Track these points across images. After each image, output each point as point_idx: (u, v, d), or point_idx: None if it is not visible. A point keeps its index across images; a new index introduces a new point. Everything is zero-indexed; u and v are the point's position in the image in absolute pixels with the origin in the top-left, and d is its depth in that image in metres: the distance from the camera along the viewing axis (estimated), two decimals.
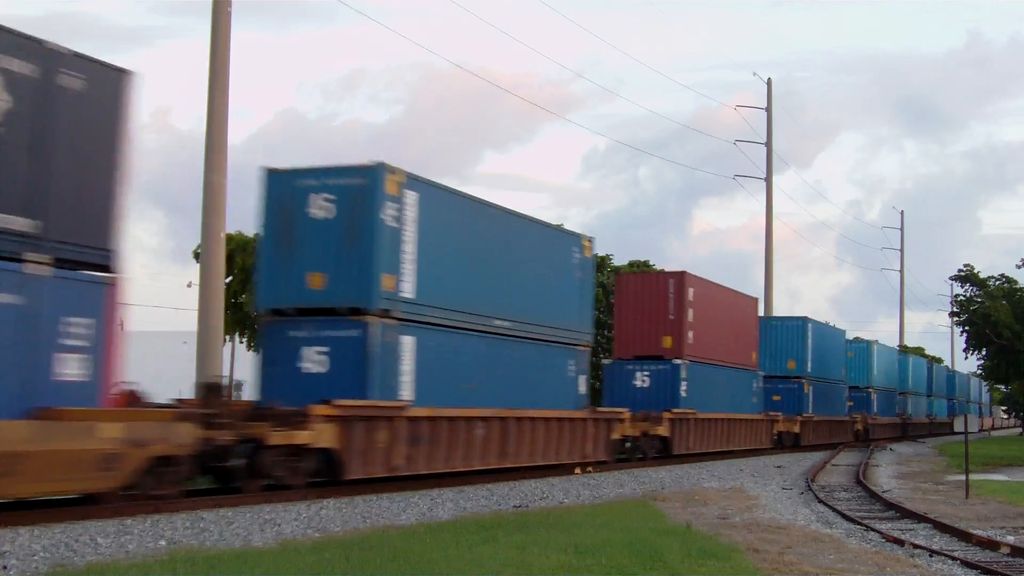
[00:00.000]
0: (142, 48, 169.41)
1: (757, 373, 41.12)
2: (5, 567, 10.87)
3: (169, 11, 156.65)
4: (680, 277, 34.35)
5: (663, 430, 32.28)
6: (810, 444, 46.84)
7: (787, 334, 46.73)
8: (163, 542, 12.87)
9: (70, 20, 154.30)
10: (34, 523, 13.57)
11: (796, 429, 45.22)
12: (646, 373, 33.69)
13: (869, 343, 60.16)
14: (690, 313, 34.13)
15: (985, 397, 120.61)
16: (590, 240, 27.87)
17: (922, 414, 75.89)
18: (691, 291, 34.33)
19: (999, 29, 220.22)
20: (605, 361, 35.97)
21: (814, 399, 47.28)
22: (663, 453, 32.73)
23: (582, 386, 27.05)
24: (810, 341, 47.02)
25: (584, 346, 27.44)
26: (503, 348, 23.85)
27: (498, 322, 23.63)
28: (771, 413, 43.13)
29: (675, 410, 33.07)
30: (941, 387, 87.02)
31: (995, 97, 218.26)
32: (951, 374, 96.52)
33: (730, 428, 37.99)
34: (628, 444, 30.76)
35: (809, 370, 46.88)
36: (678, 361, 33.64)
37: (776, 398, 45.02)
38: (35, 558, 11.43)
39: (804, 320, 47.60)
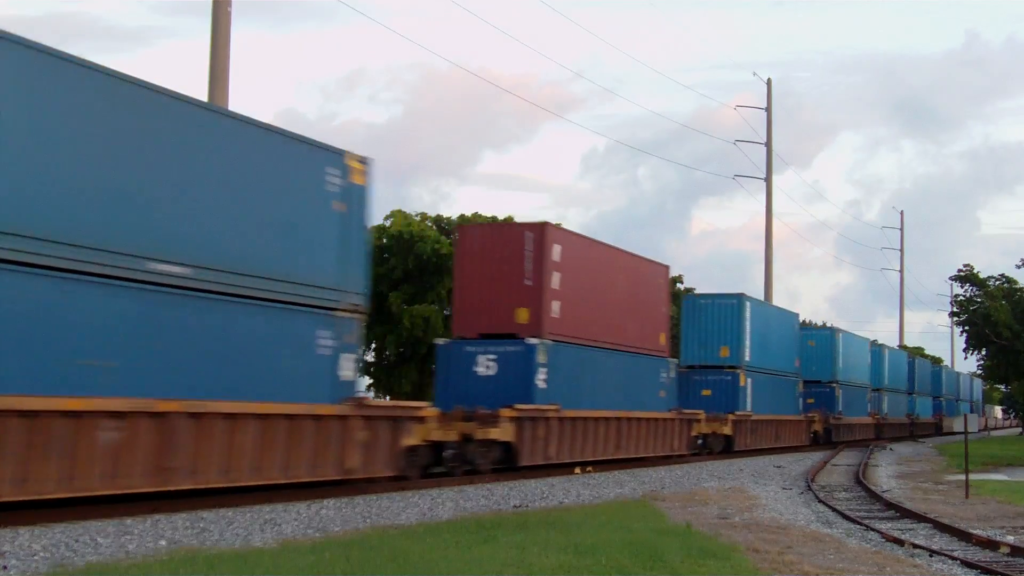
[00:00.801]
0: (142, 48, 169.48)
1: (668, 361, 33.52)
2: (5, 567, 10.87)
3: (169, 11, 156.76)
4: (540, 229, 25.79)
5: (500, 434, 23.84)
6: (748, 448, 39.97)
7: (719, 315, 39.86)
8: (163, 542, 12.87)
9: (70, 20, 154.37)
10: (34, 523, 13.57)
11: (726, 430, 37.74)
12: (491, 356, 25.31)
13: (833, 331, 53.14)
14: (555, 278, 25.90)
15: (978, 395, 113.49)
16: (362, 161, 19.81)
17: (900, 413, 68.67)
18: (557, 249, 26.02)
19: (997, 29, 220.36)
20: (439, 341, 26.77)
21: (754, 394, 40.19)
22: (502, 464, 24.48)
23: (345, 368, 19.20)
24: (748, 324, 39.86)
25: (346, 311, 19.34)
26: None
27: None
28: (686, 411, 34.97)
29: (525, 406, 24.62)
30: (925, 383, 79.66)
31: (993, 97, 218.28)
32: (937, 369, 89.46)
33: (621, 429, 29.44)
34: (448, 453, 23.63)
35: (748, 359, 39.80)
36: (534, 341, 25.03)
37: (705, 392, 38.96)
38: (35, 558, 11.43)
39: (740, 298, 40.33)
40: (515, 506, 18.70)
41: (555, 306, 25.69)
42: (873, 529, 17.04)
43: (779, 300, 61.65)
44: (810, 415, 48.28)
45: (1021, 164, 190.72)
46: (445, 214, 47.75)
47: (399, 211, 45.95)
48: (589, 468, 27.34)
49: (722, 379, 38.99)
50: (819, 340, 51.70)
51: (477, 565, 11.29)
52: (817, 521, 18.42)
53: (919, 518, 18.83)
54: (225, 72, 25.30)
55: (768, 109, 59.92)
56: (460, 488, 21.15)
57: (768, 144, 59.47)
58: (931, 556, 14.39)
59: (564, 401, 25.90)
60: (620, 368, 29.80)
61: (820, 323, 79.95)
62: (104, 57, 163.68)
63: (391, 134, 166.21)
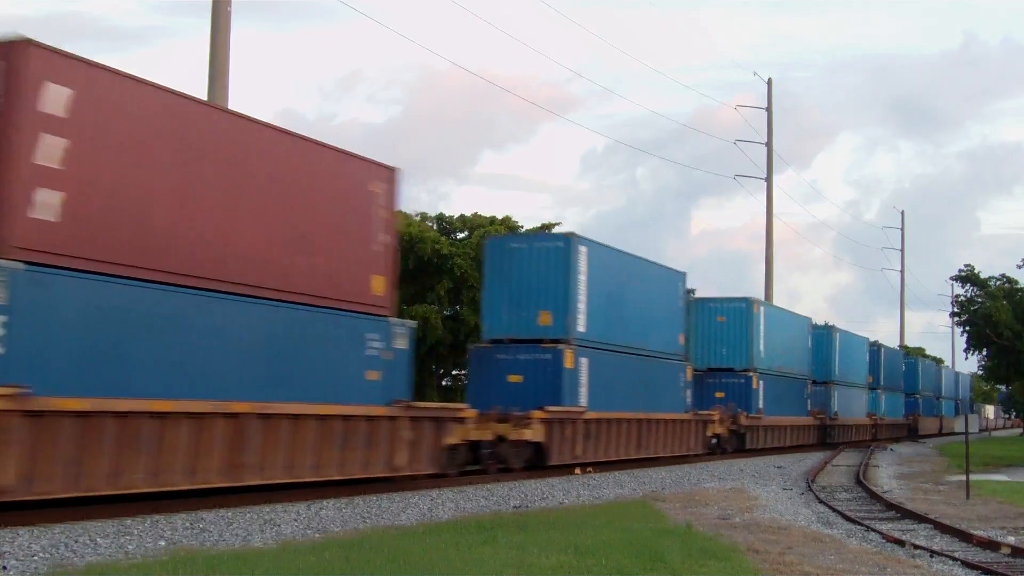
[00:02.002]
0: (142, 48, 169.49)
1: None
2: (5, 567, 10.87)
3: (169, 11, 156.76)
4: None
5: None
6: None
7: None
8: (163, 542, 12.86)
9: (71, 20, 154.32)
10: (34, 523, 13.56)
11: (532, 435, 25.04)
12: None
13: (750, 302, 40.93)
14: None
15: (965, 392, 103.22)
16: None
17: (860, 412, 57.41)
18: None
19: (995, 30, 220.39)
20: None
21: (595, 383, 27.67)
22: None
23: None
24: (584, 284, 27.37)
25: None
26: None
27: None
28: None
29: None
30: (896, 378, 68.57)
31: (991, 97, 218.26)
32: (911, 361, 77.56)
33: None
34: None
35: (582, 331, 27.05)
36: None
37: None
38: (35, 558, 11.42)
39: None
40: (515, 507, 18.69)
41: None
42: (874, 530, 17.03)
43: (779, 300, 60.73)
44: (705, 413, 37.24)
45: (1019, 164, 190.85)
46: (446, 213, 47.56)
47: (399, 211, 45.84)
48: (589, 468, 27.36)
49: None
50: (731, 315, 42.32)
51: (477, 565, 11.28)
52: (817, 522, 18.41)
53: (920, 519, 18.82)
54: (225, 72, 25.28)
55: (768, 109, 59.91)
56: (460, 488, 21.14)
57: (768, 144, 59.46)
58: (932, 557, 14.38)
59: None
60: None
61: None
62: (104, 57, 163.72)
63: (390, 134, 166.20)
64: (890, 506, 21.18)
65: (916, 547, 15.12)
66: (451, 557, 11.76)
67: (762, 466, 33.42)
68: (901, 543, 15.47)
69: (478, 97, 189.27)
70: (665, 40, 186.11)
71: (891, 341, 79.58)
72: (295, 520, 15.33)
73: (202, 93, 24.87)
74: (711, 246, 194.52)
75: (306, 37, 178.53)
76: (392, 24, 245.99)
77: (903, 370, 72.47)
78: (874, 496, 23.39)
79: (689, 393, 34.55)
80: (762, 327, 41.21)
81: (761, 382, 40.82)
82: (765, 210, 58.84)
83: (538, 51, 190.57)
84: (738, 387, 39.93)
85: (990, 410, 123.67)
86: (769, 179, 59.31)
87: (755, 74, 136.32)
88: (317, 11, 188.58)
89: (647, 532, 14.72)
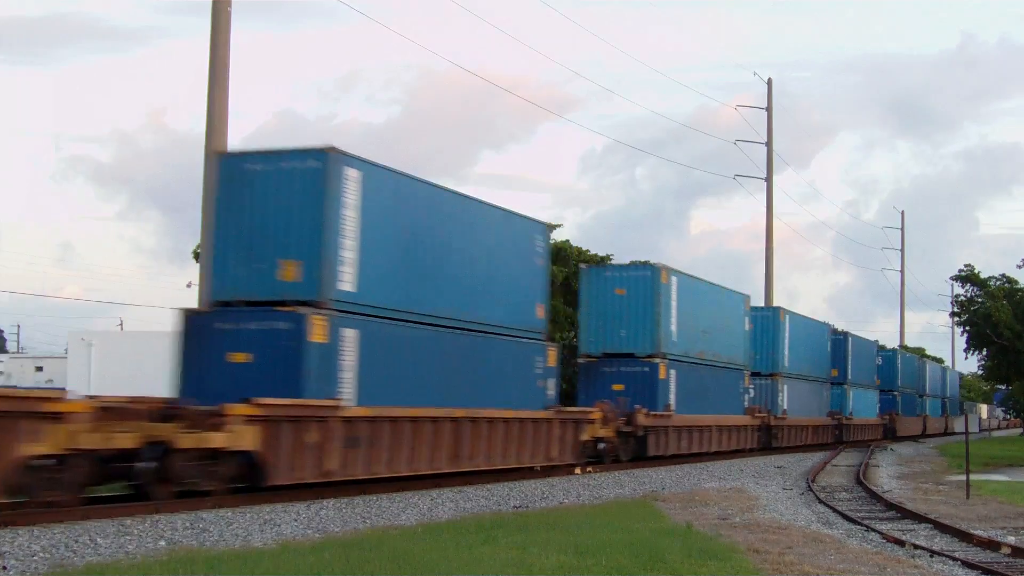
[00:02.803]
0: (142, 48, 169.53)
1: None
2: (5, 567, 10.87)
3: (169, 11, 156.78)
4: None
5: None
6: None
7: (284, 188, 20.60)
8: (163, 542, 12.86)
9: (71, 20, 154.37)
10: (34, 523, 13.56)
11: (230, 441, 16.98)
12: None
13: (656, 270, 32.22)
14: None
15: (954, 390, 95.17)
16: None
17: (820, 412, 49.29)
18: None
19: (992, 30, 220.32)
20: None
21: (374, 366, 20.00)
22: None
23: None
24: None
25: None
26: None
27: None
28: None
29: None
30: (867, 372, 59.24)
31: (989, 98, 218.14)
32: (888, 353, 67.72)
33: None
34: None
35: (348, 291, 19.43)
36: None
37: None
38: (35, 558, 11.42)
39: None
40: (515, 506, 18.69)
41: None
42: (874, 530, 17.03)
43: (778, 300, 59.36)
44: (584, 412, 28.24)
45: (1017, 165, 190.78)
46: None
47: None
48: (589, 468, 27.32)
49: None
50: (633, 286, 33.41)
51: (477, 565, 11.28)
52: (817, 522, 18.40)
53: (920, 519, 18.82)
54: (225, 72, 25.29)
55: (768, 109, 59.93)
56: (460, 488, 21.13)
57: (768, 144, 59.47)
58: (932, 557, 14.38)
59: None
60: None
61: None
62: (105, 57, 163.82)
63: (389, 134, 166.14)
64: (890, 506, 21.18)
65: (916, 547, 15.12)
66: (451, 557, 11.76)
67: (762, 466, 33.40)
68: (901, 543, 15.47)
69: (477, 97, 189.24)
70: (665, 40, 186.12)
71: (891, 341, 79.18)
72: (295, 520, 15.33)
73: (202, 93, 24.90)
74: (711, 246, 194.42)
75: (305, 37, 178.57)
76: (391, 24, 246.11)
77: (878, 364, 63.14)
78: (874, 496, 23.38)
79: (551, 383, 25.06)
80: (674, 302, 32.38)
81: (672, 371, 32.08)
82: (765, 210, 58.89)
83: (538, 51, 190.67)
84: (641, 377, 31.19)
85: (983, 409, 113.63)
86: (769, 179, 59.35)
87: (755, 74, 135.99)
88: (316, 11, 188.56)
89: (647, 532, 14.72)
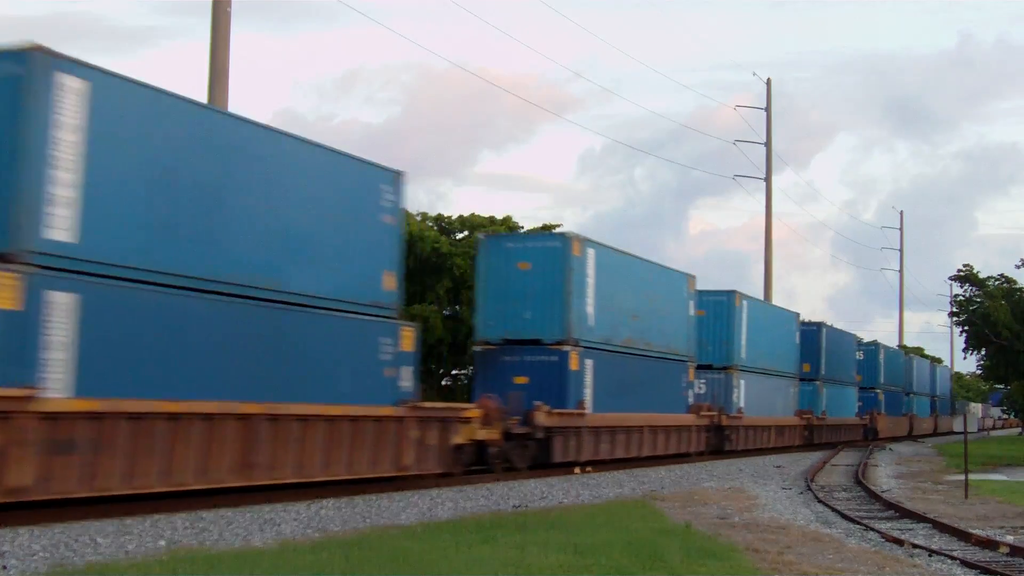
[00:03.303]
0: (143, 48, 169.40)
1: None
2: (5, 567, 10.87)
3: (169, 11, 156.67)
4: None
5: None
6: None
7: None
8: (163, 542, 12.87)
9: (72, 20, 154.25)
10: (34, 523, 13.57)
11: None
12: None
13: (568, 240, 26.98)
14: None
15: (945, 388, 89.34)
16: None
17: (784, 409, 43.79)
18: None
19: (990, 30, 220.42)
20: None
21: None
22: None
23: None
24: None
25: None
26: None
27: None
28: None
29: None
30: (845, 368, 54.46)
31: (987, 98, 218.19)
32: (870, 348, 62.24)
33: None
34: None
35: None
36: None
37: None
38: (35, 558, 11.43)
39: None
40: (515, 506, 18.71)
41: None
42: (872, 529, 17.06)
43: (778, 300, 58.53)
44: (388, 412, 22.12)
45: (1015, 165, 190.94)
46: (445, 213, 47.46)
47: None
48: (589, 468, 27.32)
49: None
50: (500, 254, 27.75)
51: (477, 565, 11.30)
52: (816, 521, 18.43)
53: (918, 518, 18.84)
54: (225, 72, 25.30)
55: (768, 109, 59.95)
56: (460, 488, 21.15)
57: (768, 144, 59.50)
58: (930, 556, 14.40)
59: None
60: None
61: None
62: (106, 57, 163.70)
63: (388, 134, 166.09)
64: (889, 505, 21.20)
65: (915, 546, 15.14)
66: (451, 557, 11.78)
67: (761, 466, 33.42)
68: (900, 542, 15.49)
69: (477, 97, 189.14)
70: (665, 40, 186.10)
71: (890, 341, 78.63)
72: (295, 520, 15.35)
73: (202, 93, 24.90)
74: (710, 246, 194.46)
75: (304, 37, 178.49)
76: (390, 24, 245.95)
77: (859, 359, 58.51)
78: (873, 495, 23.40)
79: (407, 373, 20.01)
80: (590, 279, 26.92)
81: (587, 361, 26.63)
82: (764, 210, 58.90)
83: (537, 51, 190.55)
84: (548, 368, 25.89)
85: (978, 409, 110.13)
86: (768, 179, 59.37)
87: (754, 74, 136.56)
88: (316, 11, 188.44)
89: (646, 532, 14.74)
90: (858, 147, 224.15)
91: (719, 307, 38.14)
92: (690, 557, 12.49)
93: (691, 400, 33.67)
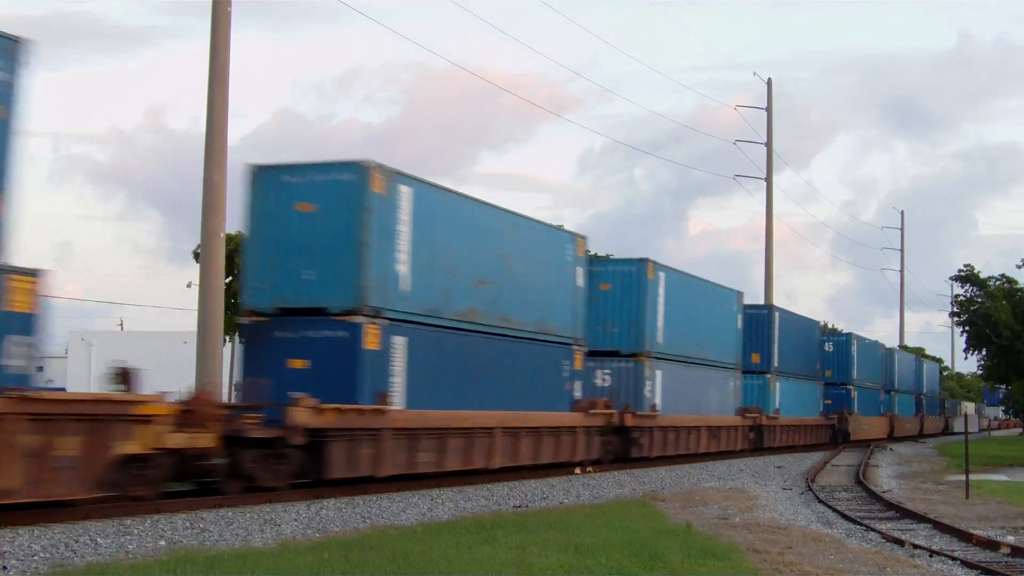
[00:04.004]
0: (143, 48, 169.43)
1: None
2: (5, 567, 10.87)
3: (169, 11, 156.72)
4: None
5: None
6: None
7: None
8: (163, 542, 12.87)
9: (72, 20, 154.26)
10: (34, 523, 13.57)
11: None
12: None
13: (363, 171, 19.41)
14: None
15: (933, 385, 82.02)
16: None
17: (724, 408, 36.51)
18: None
19: (989, 30, 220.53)
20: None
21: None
22: None
23: None
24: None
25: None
26: None
27: None
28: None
29: None
30: (807, 360, 47.58)
31: (985, 98, 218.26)
32: (840, 338, 55.65)
33: None
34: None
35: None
36: None
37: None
38: (35, 558, 11.43)
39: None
40: (515, 506, 18.70)
41: None
42: (873, 529, 17.04)
43: (778, 300, 57.23)
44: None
45: (1014, 165, 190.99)
46: None
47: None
48: (589, 468, 27.27)
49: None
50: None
51: (477, 565, 11.29)
52: (817, 521, 18.41)
53: (919, 518, 18.82)
54: (225, 72, 25.30)
55: (768, 109, 59.92)
56: (460, 488, 21.14)
57: (768, 144, 59.47)
58: (931, 556, 14.39)
59: None
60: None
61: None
62: (106, 57, 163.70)
63: (388, 134, 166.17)
64: (889, 506, 21.19)
65: (915, 547, 15.12)
66: (451, 557, 11.77)
67: (762, 466, 33.41)
68: (901, 543, 15.48)
69: (476, 97, 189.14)
70: (665, 40, 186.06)
71: (890, 341, 78.08)
72: (295, 520, 15.34)
73: (202, 93, 24.90)
74: (710, 246, 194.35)
75: (304, 37, 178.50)
76: (390, 24, 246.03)
77: (827, 351, 52.74)
78: (874, 496, 23.39)
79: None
80: (404, 227, 20.07)
81: (395, 340, 19.82)
82: (764, 210, 58.87)
83: (538, 51, 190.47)
84: (334, 348, 19.03)
85: (971, 408, 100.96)
86: (769, 179, 59.33)
87: (755, 74, 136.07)
88: (315, 12, 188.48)
89: (647, 532, 14.73)
90: (858, 147, 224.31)
91: (627, 279, 29.94)
92: (691, 557, 12.48)
93: (578, 394, 26.68)
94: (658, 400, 30.78)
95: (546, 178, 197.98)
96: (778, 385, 42.78)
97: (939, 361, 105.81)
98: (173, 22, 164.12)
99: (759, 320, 42.26)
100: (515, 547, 12.64)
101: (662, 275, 31.31)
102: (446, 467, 21.50)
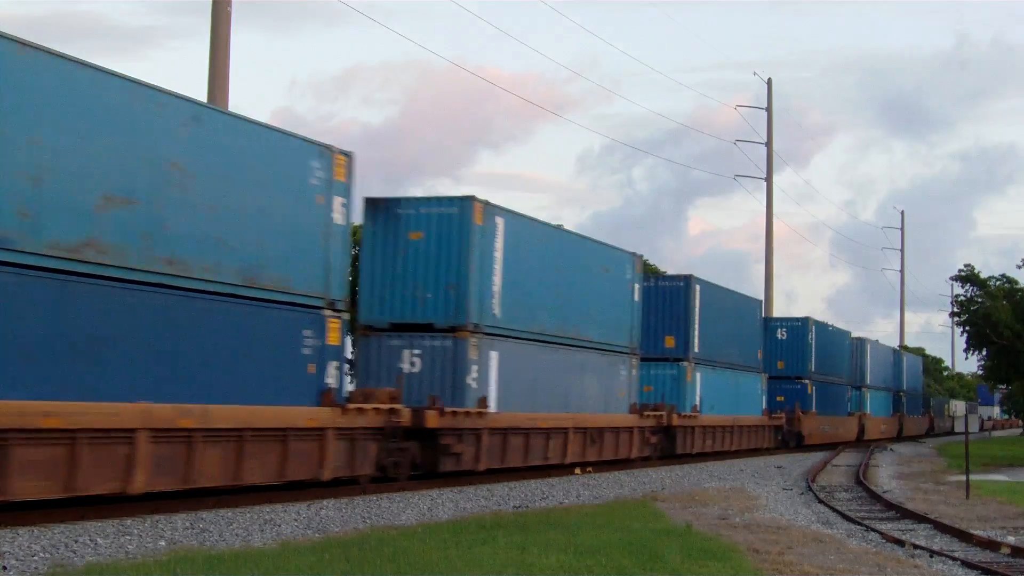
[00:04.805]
0: (144, 48, 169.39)
1: None
2: (5, 567, 10.86)
3: (169, 11, 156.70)
4: None
5: None
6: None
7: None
8: (163, 542, 12.86)
9: (73, 20, 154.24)
10: (34, 523, 13.55)
11: None
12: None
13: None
14: None
15: (915, 382, 74.14)
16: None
17: (611, 405, 28.24)
18: None
19: (986, 30, 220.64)
20: None
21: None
22: None
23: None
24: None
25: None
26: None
27: None
28: None
29: None
30: (744, 347, 38.97)
31: (983, 98, 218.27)
32: (795, 323, 47.68)
33: None
34: None
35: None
36: None
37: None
38: (35, 558, 11.42)
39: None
40: (515, 507, 18.69)
41: None
42: (873, 530, 17.04)
43: (777, 300, 56.91)
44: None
45: (1012, 165, 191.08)
46: None
47: None
48: (589, 468, 27.30)
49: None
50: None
51: (477, 565, 11.29)
52: (817, 521, 18.41)
53: (919, 518, 18.82)
54: (225, 72, 25.29)
55: (768, 109, 59.96)
56: (460, 488, 21.14)
57: (768, 144, 59.50)
58: (931, 556, 14.39)
59: None
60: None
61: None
62: (106, 57, 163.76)
63: (387, 134, 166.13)
64: (890, 506, 21.19)
65: (916, 547, 15.12)
66: (451, 557, 11.76)
67: (762, 466, 33.40)
68: (901, 543, 15.48)
69: (476, 97, 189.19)
70: (665, 40, 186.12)
71: (890, 341, 77.58)
72: (295, 520, 15.34)
73: (202, 93, 24.89)
74: (710, 246, 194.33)
75: (303, 37, 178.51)
76: (390, 24, 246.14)
77: (777, 338, 46.19)
78: (874, 496, 23.39)
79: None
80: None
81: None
82: (764, 210, 58.89)
83: (537, 50, 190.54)
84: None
85: (960, 407, 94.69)
86: (769, 179, 59.38)
87: (755, 74, 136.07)
88: (315, 11, 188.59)
89: (647, 532, 14.72)
90: (856, 147, 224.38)
91: (446, 225, 22.31)
92: (691, 557, 12.47)
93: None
94: (492, 391, 22.78)
95: (545, 178, 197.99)
96: (699, 376, 34.20)
97: (939, 361, 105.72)
98: (173, 22, 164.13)
99: (673, 294, 33.67)
100: (515, 547, 12.64)
101: (500, 221, 23.11)
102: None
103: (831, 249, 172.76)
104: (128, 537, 13.04)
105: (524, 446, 24.20)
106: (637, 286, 30.19)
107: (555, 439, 25.37)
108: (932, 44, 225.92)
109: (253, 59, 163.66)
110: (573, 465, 26.52)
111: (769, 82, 60.23)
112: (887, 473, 32.64)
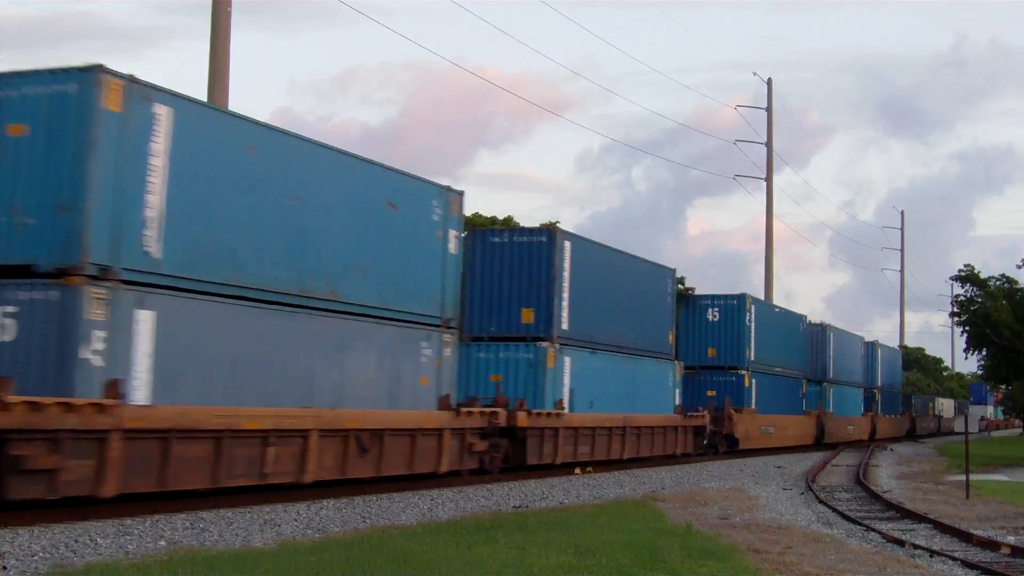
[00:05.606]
0: (144, 48, 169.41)
1: None
2: (5, 567, 10.86)
3: (169, 11, 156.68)
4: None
5: None
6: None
7: None
8: (163, 542, 12.86)
9: (74, 20, 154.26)
10: (34, 523, 13.55)
11: None
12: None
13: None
14: None
15: (893, 378, 67.92)
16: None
17: (418, 400, 20.29)
18: None
19: (984, 31, 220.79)
20: None
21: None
22: None
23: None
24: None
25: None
26: None
27: None
28: None
29: None
30: (648, 328, 31.34)
31: (981, 99, 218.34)
32: (732, 304, 39.27)
33: None
34: None
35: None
36: None
37: None
38: (35, 558, 11.42)
39: None
40: (515, 507, 18.69)
41: None
42: (873, 530, 17.04)
43: (777, 300, 55.32)
44: None
45: (1010, 166, 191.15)
46: None
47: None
48: (589, 468, 27.30)
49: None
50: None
51: (477, 565, 11.29)
52: (817, 522, 18.41)
53: (919, 518, 18.82)
54: (225, 72, 25.28)
55: (768, 109, 59.95)
56: (460, 488, 21.13)
57: (768, 144, 59.49)
58: (932, 556, 14.39)
59: None
60: None
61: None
62: (106, 57, 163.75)
63: (387, 134, 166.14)
64: (890, 506, 21.19)
65: (916, 547, 15.12)
66: (451, 557, 11.76)
67: (762, 466, 33.40)
68: (901, 543, 15.48)
69: (475, 97, 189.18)
70: (665, 40, 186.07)
71: (890, 341, 77.32)
72: (295, 520, 15.33)
73: (202, 93, 24.88)
74: (709, 246, 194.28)
75: (302, 37, 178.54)
76: (390, 24, 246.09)
77: (708, 319, 39.10)
78: (874, 496, 23.38)
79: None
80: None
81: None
82: (764, 210, 58.87)
83: (537, 50, 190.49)
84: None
85: (948, 406, 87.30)
86: (769, 179, 59.35)
87: (755, 74, 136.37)
88: (314, 11, 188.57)
89: (647, 532, 14.72)
90: (855, 147, 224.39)
91: (56, 110, 14.56)
92: (691, 557, 12.47)
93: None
94: (137, 373, 14.84)
95: (544, 178, 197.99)
96: (567, 361, 26.62)
97: (939, 361, 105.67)
98: (173, 22, 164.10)
99: (531, 252, 26.17)
100: (515, 547, 12.64)
101: (164, 111, 15.28)
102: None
103: (830, 249, 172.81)
104: (128, 537, 13.04)
105: (212, 455, 15.74)
106: (453, 233, 22.01)
107: (279, 447, 16.92)
108: (930, 45, 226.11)
109: (253, 59, 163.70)
110: (315, 485, 18.07)
111: (769, 82, 60.25)
112: (887, 473, 32.65)
